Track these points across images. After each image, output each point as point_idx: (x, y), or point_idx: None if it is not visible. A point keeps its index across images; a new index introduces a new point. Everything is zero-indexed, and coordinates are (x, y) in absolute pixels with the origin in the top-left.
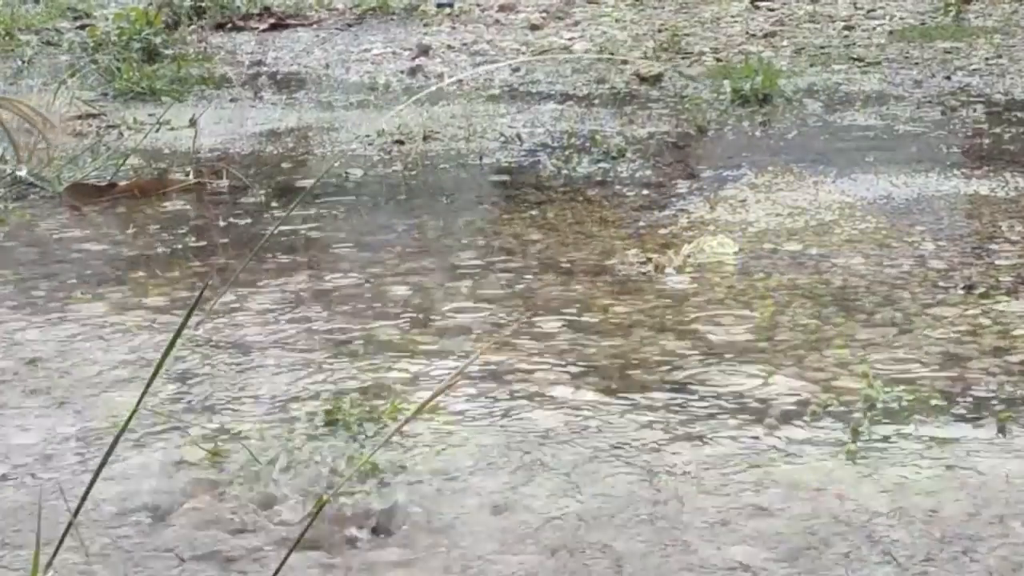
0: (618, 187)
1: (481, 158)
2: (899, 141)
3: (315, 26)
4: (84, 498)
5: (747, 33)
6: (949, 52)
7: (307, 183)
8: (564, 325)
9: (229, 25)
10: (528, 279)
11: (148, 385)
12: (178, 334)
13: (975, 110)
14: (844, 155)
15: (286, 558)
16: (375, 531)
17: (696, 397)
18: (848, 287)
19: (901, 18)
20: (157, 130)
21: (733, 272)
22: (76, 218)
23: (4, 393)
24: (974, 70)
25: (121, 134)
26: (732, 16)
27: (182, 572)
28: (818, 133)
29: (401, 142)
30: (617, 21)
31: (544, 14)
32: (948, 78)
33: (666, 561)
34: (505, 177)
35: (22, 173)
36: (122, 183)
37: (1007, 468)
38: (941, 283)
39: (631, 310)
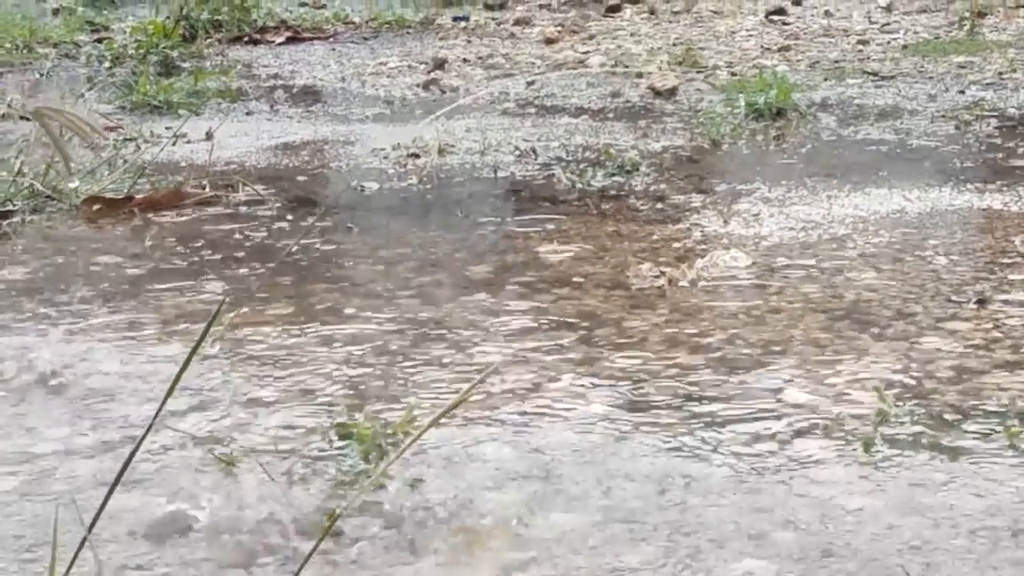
0: (632, 201)
1: (496, 172)
2: (913, 155)
3: (331, 40)
4: (99, 513)
5: (761, 47)
6: (963, 66)
7: (322, 196)
8: (577, 339)
9: (246, 39)
10: (542, 292)
11: (165, 400)
12: (194, 350)
13: (989, 124)
14: (858, 169)
15: (299, 570)
16: None
17: (708, 410)
18: (861, 301)
19: (916, 32)
20: (174, 143)
21: (746, 286)
22: (93, 231)
23: (21, 404)
24: (988, 84)
25: (138, 147)
26: (747, 30)
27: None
28: (832, 147)
29: (416, 155)
30: (632, 35)
31: (559, 28)
32: (962, 92)
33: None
34: (520, 191)
35: (74, 185)
36: (139, 196)
37: (1018, 483)
38: (954, 297)
39: (644, 323)
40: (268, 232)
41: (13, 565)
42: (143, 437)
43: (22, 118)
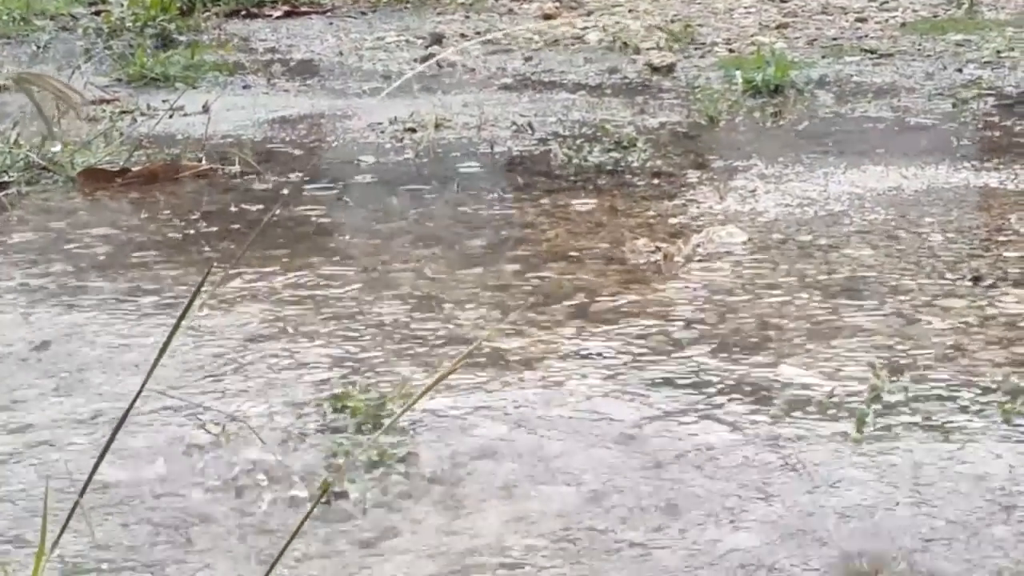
0: (628, 176)
1: (492, 146)
2: (910, 133)
3: (329, 14)
4: (89, 480)
5: (759, 24)
6: (961, 45)
7: (318, 170)
8: (572, 313)
9: (243, 12)
10: (537, 267)
11: (152, 368)
12: (181, 318)
13: (986, 103)
14: (854, 146)
15: (290, 540)
16: None
17: (703, 386)
18: (856, 277)
19: (914, 10)
20: (170, 116)
21: (742, 262)
22: (88, 203)
23: (15, 375)
24: (986, 63)
25: (134, 120)
26: (745, 7)
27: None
28: (829, 124)
29: (413, 130)
30: (630, 11)
31: (557, 3)
32: (960, 70)
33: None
34: (516, 165)
35: (56, 149)
36: (135, 168)
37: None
38: (949, 274)
39: (640, 299)
40: (264, 205)
41: (8, 532)
42: (130, 406)
43: (19, 90)
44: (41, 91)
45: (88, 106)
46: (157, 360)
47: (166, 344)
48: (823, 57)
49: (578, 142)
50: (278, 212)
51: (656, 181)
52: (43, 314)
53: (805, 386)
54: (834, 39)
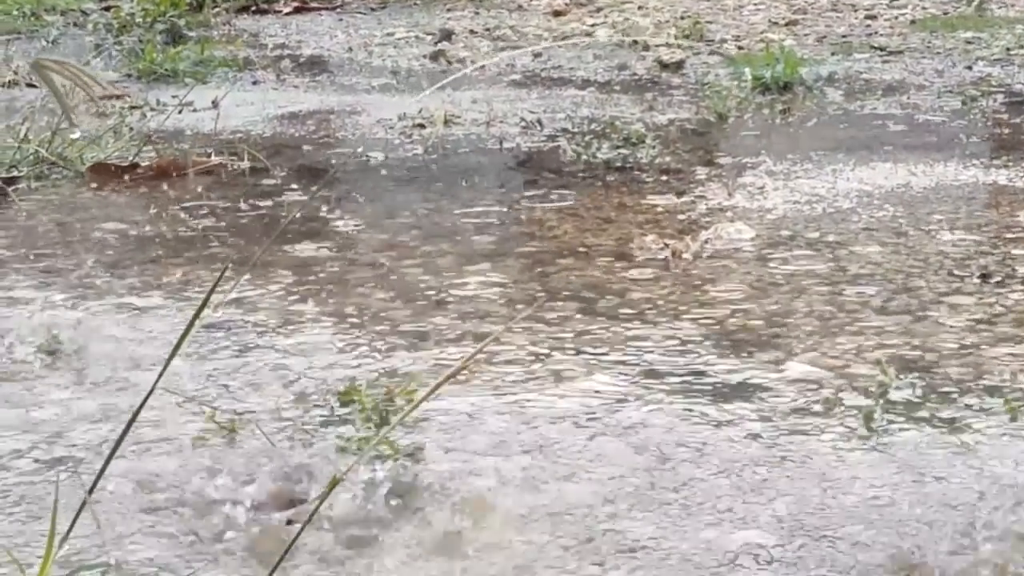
0: (637, 173)
1: (501, 143)
2: (919, 130)
3: (338, 10)
4: (99, 476)
5: (769, 21)
6: (971, 42)
7: (327, 165)
8: (580, 309)
9: (253, 8)
10: (546, 263)
11: (166, 365)
12: (196, 317)
13: (995, 100)
14: (863, 143)
15: (298, 534)
16: None
17: (710, 382)
18: (864, 274)
19: (924, 7)
20: (179, 111)
21: (750, 259)
22: (98, 198)
23: (24, 370)
24: (995, 60)
25: (144, 115)
26: (754, 4)
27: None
28: (838, 121)
29: (422, 126)
30: (640, 8)
31: (567, 0)
32: (969, 68)
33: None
34: (525, 162)
35: (75, 136)
36: (144, 164)
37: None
38: (957, 272)
39: (648, 295)
40: (273, 201)
41: (18, 527)
42: (143, 403)
43: (28, 85)
44: (62, 78)
45: (107, 96)
46: (171, 357)
47: (180, 342)
48: (832, 54)
49: (587, 139)
50: (297, 215)
51: (665, 178)
52: (52, 309)
53: (813, 382)
54: (844, 36)
